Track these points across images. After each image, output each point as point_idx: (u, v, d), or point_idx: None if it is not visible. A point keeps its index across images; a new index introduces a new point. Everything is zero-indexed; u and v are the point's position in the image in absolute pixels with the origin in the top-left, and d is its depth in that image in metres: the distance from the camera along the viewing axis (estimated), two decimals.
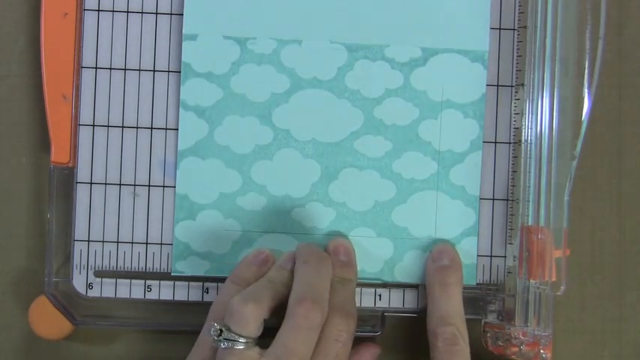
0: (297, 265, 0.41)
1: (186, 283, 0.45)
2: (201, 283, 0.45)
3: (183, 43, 0.45)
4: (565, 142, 0.43)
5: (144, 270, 0.45)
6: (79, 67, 0.45)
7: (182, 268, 0.45)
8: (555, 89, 0.43)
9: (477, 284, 0.45)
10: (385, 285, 0.45)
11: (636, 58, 0.47)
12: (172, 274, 0.45)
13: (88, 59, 0.45)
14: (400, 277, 0.45)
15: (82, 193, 0.45)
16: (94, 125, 0.45)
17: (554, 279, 0.43)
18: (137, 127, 0.45)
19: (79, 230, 0.45)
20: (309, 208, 0.45)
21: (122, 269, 0.45)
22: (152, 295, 0.45)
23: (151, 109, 0.45)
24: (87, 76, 0.45)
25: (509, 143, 0.46)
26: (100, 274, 0.45)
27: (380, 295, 0.45)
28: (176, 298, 0.45)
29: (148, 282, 0.45)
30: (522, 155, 0.44)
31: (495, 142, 0.46)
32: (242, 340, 0.38)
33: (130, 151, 0.45)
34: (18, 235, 0.46)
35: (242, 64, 0.45)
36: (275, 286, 0.41)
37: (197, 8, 0.44)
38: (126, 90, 0.45)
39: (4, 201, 0.46)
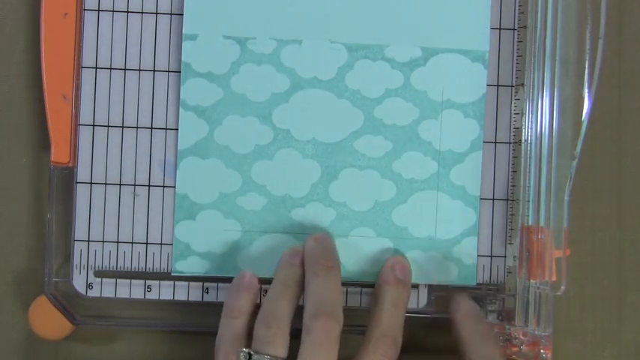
0: (307, 278, 0.41)
1: (186, 283, 0.45)
2: (201, 283, 0.45)
3: (183, 43, 0.44)
4: (565, 142, 0.43)
5: (144, 270, 0.45)
6: (79, 67, 0.45)
7: (182, 268, 0.45)
8: (555, 89, 0.43)
9: (477, 284, 0.45)
10: None
11: (636, 58, 0.47)
12: (172, 274, 0.45)
13: (88, 59, 0.45)
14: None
15: (82, 193, 0.45)
16: (94, 125, 0.45)
17: (554, 279, 0.43)
18: (137, 127, 0.45)
19: (79, 230, 0.45)
20: (309, 208, 0.45)
21: (122, 269, 0.45)
22: (152, 295, 0.45)
23: (150, 109, 0.45)
24: (87, 76, 0.45)
25: (510, 143, 0.46)
26: (100, 274, 0.45)
27: None
28: (176, 298, 0.45)
29: (148, 282, 0.45)
30: (522, 155, 0.44)
31: (495, 142, 0.46)
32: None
33: (130, 151, 0.45)
34: (18, 235, 0.46)
35: (242, 64, 0.45)
36: (290, 289, 0.41)
37: (197, 8, 0.44)
38: (126, 90, 0.45)
39: (4, 201, 0.46)
